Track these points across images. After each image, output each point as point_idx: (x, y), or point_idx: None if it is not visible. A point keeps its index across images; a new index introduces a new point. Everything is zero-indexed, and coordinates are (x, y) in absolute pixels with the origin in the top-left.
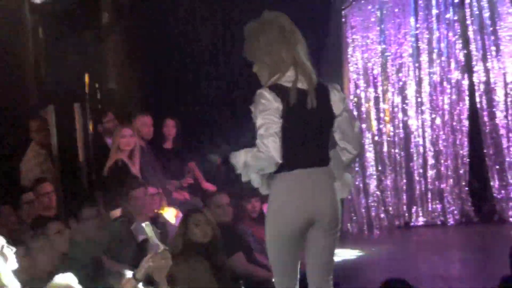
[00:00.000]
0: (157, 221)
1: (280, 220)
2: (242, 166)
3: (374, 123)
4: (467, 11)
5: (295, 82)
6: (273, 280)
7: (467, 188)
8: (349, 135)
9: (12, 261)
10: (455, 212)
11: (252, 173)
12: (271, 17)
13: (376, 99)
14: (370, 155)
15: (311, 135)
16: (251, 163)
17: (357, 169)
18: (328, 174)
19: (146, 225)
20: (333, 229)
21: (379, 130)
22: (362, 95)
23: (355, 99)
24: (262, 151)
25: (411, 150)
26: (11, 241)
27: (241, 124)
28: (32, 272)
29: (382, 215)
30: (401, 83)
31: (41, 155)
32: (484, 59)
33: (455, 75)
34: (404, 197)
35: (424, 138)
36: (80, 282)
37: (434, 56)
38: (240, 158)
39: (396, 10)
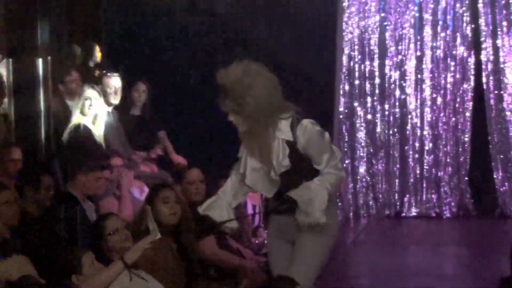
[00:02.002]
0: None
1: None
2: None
3: (367, 99)
4: None
5: None
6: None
7: (466, 178)
8: None
9: None
10: (452, 204)
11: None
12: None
13: (371, 73)
14: (361, 135)
15: None
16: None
17: (345, 149)
18: None
19: (148, 210)
20: None
21: (373, 108)
22: (356, 68)
23: (348, 72)
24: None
25: (407, 132)
26: None
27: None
28: None
29: (371, 203)
30: (400, 57)
31: None
32: (494, 35)
33: (461, 51)
34: (397, 184)
35: (422, 119)
36: (35, 264)
37: (439, 29)
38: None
39: None
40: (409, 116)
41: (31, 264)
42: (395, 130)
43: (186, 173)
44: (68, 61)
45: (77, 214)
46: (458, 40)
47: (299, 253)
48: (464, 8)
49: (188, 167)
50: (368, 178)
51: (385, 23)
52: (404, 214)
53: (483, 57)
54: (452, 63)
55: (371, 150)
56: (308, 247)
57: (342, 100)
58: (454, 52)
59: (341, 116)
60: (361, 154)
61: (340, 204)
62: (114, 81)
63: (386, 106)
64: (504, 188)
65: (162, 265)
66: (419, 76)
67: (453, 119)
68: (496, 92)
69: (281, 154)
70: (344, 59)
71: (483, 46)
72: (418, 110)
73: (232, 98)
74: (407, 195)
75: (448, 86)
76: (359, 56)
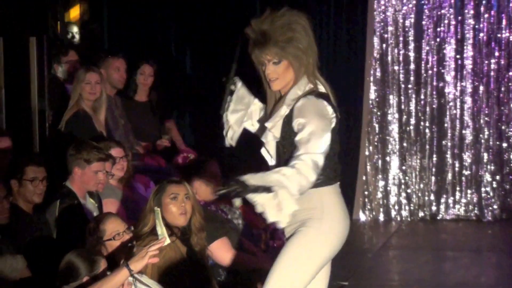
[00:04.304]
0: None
1: (336, 241)
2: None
3: (401, 87)
4: None
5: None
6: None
7: (511, 177)
8: None
9: None
10: (495, 206)
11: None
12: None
13: (406, 57)
14: (393, 128)
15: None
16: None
17: (376, 143)
18: None
19: (157, 212)
20: None
21: (407, 97)
22: (389, 51)
23: (379, 57)
24: (312, 179)
25: (445, 125)
26: None
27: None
28: None
29: (403, 203)
30: (438, 40)
31: None
32: None
33: (506, 34)
34: (432, 182)
35: (462, 110)
36: (28, 263)
37: (482, 9)
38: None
39: None
40: (448, 107)
41: (25, 263)
42: (432, 122)
43: (205, 166)
44: (65, 40)
45: (73, 212)
46: (504, 22)
47: (280, 255)
48: None
49: (205, 160)
50: (401, 176)
51: (422, 2)
52: (440, 217)
53: None
54: (497, 48)
55: (404, 144)
56: (291, 250)
57: (372, 87)
58: (498, 35)
59: (371, 106)
60: (393, 148)
61: (369, 204)
62: (118, 63)
63: (422, 95)
64: None
65: (169, 271)
66: (459, 62)
67: (497, 110)
68: None
69: (277, 122)
70: (376, 41)
71: None
72: (458, 100)
73: (274, 44)
74: (444, 196)
75: (492, 73)
76: (393, 39)
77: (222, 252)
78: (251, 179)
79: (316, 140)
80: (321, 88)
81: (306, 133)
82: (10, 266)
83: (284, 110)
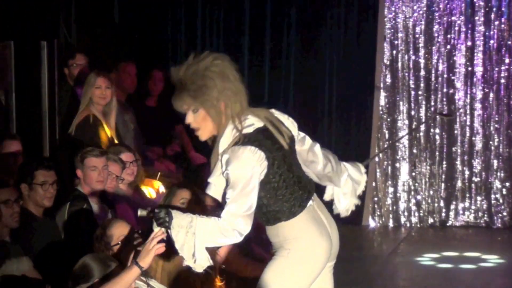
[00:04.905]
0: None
1: (306, 268)
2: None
3: (411, 94)
4: None
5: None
6: None
7: None
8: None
9: None
10: (504, 213)
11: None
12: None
13: (416, 64)
14: (403, 134)
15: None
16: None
17: (386, 150)
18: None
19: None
20: (335, 259)
21: (417, 103)
22: (399, 58)
23: (389, 63)
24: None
25: (455, 131)
26: None
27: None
28: None
29: (413, 210)
30: (448, 47)
31: None
32: None
33: None
34: (442, 189)
35: (472, 117)
36: (38, 266)
37: (492, 16)
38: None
39: None
40: (458, 114)
41: (33, 267)
42: (442, 128)
43: (206, 172)
44: (75, 44)
45: (82, 216)
46: None
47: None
48: None
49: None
50: (410, 182)
51: (432, 9)
52: (449, 223)
53: None
54: (507, 55)
55: (414, 151)
56: (267, 271)
57: (382, 94)
58: (509, 42)
59: (381, 112)
60: (403, 154)
61: (378, 210)
62: (129, 68)
63: (432, 102)
64: None
65: (178, 275)
66: (469, 69)
67: (507, 117)
68: None
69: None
70: (386, 48)
71: None
72: (468, 107)
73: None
74: (454, 202)
75: (502, 80)
76: (403, 45)
77: (231, 257)
78: (180, 218)
79: (237, 201)
80: (251, 127)
81: (230, 192)
82: (17, 268)
83: (219, 165)
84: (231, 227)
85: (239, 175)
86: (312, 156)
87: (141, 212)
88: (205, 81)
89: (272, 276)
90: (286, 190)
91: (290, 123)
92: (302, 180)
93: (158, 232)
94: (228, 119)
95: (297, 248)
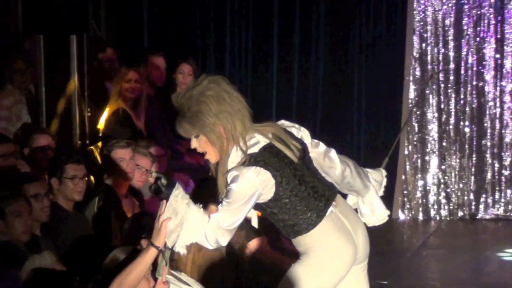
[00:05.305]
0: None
1: (328, 275)
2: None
3: (440, 87)
4: None
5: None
6: None
7: None
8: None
9: None
10: None
11: None
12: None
13: (445, 57)
14: (432, 127)
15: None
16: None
17: (415, 142)
18: (344, 200)
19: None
20: (366, 259)
21: (446, 96)
22: (429, 51)
23: (419, 56)
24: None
25: (485, 124)
26: None
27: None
28: (9, 238)
29: (443, 203)
30: (478, 39)
31: (22, 102)
32: None
33: None
34: (472, 182)
35: (502, 110)
36: (67, 260)
37: None
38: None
39: None
40: (487, 106)
41: (53, 258)
42: (471, 121)
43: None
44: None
45: (111, 209)
46: None
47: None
48: None
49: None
50: (440, 175)
51: (462, 1)
52: (479, 216)
53: None
54: None
55: (444, 144)
56: (288, 275)
57: (412, 87)
58: None
59: (410, 105)
60: (433, 148)
61: (408, 203)
62: (158, 61)
63: (462, 95)
64: None
65: (208, 269)
66: (498, 61)
67: None
68: None
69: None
70: (415, 41)
71: None
72: (498, 100)
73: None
74: (483, 195)
75: None
76: (432, 38)
77: (261, 250)
78: (179, 201)
79: (227, 215)
80: (256, 146)
81: (225, 203)
82: (39, 264)
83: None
84: (214, 235)
85: (239, 194)
86: (328, 161)
87: (156, 174)
88: (199, 106)
89: (298, 275)
90: (300, 203)
91: (301, 133)
92: (318, 190)
93: (163, 208)
94: (229, 141)
95: (320, 255)
